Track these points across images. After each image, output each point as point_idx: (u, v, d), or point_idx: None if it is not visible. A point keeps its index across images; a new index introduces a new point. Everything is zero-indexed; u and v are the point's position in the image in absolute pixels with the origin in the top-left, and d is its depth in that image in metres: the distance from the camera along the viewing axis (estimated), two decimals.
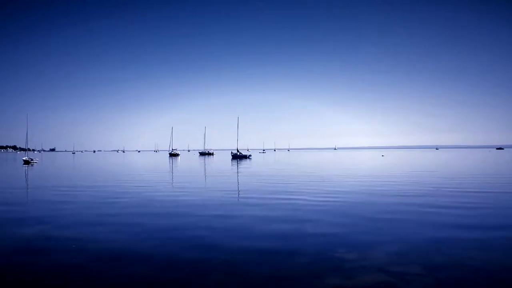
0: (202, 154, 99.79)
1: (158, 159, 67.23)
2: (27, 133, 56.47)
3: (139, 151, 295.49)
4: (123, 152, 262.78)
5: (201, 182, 19.97)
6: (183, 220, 9.06)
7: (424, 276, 4.94)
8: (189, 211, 10.33)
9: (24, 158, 52.57)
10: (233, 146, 77.43)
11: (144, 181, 20.80)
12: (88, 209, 10.72)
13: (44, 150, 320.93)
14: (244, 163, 45.32)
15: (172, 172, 29.27)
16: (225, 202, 11.98)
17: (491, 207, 10.57)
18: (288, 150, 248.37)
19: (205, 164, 43.14)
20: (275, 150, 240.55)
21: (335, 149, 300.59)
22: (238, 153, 68.66)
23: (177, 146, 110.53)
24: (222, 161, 51.82)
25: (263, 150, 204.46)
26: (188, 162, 51.90)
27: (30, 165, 44.83)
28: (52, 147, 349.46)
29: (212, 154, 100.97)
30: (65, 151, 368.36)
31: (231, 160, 54.47)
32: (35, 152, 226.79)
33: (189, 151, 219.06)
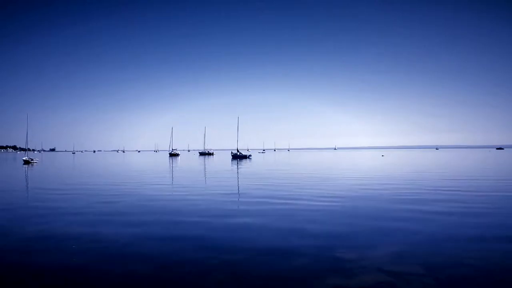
0: (202, 154, 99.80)
1: (158, 159, 67.24)
2: (27, 133, 56.55)
3: (139, 151, 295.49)
4: (123, 152, 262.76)
5: (201, 182, 19.97)
6: (183, 220, 9.06)
7: (424, 276, 4.95)
8: (189, 211, 10.33)
9: (24, 158, 52.57)
10: (233, 146, 77.48)
11: (144, 181, 20.79)
12: (88, 209, 10.72)
13: (44, 150, 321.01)
14: (244, 163, 45.32)
15: (172, 172, 29.27)
16: (225, 202, 11.97)
17: (491, 208, 10.57)
18: (288, 150, 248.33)
19: (205, 164, 43.14)
20: (275, 150, 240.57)
21: (335, 149, 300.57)
22: (238, 153, 68.66)
23: (177, 146, 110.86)
24: (222, 161, 51.81)
25: (263, 150, 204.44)
26: (188, 162, 51.90)
27: (30, 165, 44.83)
28: (52, 147, 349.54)
29: (212, 154, 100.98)
30: (65, 151, 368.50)
31: (231, 160, 54.47)
32: (35, 152, 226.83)
33: (189, 151, 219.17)
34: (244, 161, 52.43)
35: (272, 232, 7.59)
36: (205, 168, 35.58)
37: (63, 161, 63.02)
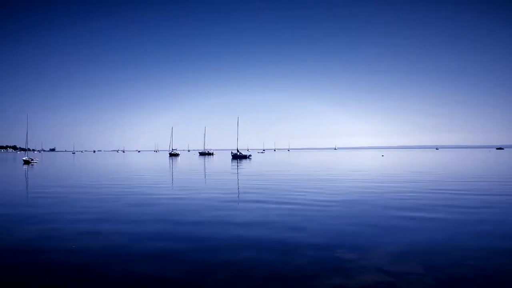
0: (202, 154, 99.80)
1: (158, 159, 67.24)
2: (27, 133, 56.55)
3: (139, 151, 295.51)
4: (123, 152, 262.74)
5: (201, 182, 19.97)
6: (183, 220, 9.06)
7: (424, 276, 4.95)
8: (189, 211, 10.33)
9: (24, 158, 52.57)
10: (233, 146, 77.48)
11: (144, 181, 20.80)
12: (88, 209, 10.72)
13: (44, 150, 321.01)
14: (244, 163, 45.33)
15: (172, 172, 29.27)
16: (225, 203, 11.97)
17: (491, 208, 10.58)
18: (288, 150, 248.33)
19: (205, 164, 43.14)
20: (275, 150, 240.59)
21: (335, 149, 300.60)
22: (238, 153, 68.66)
23: (177, 146, 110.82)
24: (222, 161, 51.82)
25: (263, 150, 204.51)
26: (188, 162, 51.90)
27: (30, 165, 44.83)
28: (52, 147, 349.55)
29: (212, 154, 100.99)
30: (65, 151, 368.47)
31: (231, 160, 54.48)
32: (35, 152, 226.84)
33: (189, 151, 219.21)
34: (244, 161, 52.43)
35: (272, 232, 7.59)
36: (205, 168, 35.58)
37: (63, 161, 63.02)
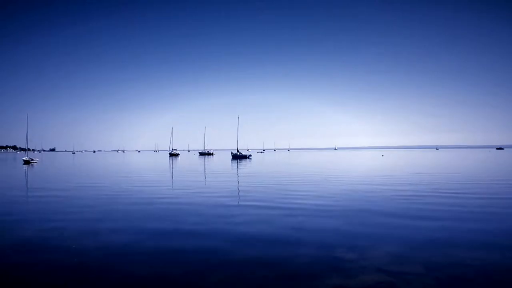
0: (202, 154, 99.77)
1: (158, 159, 67.24)
2: (27, 133, 56.55)
3: (139, 151, 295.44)
4: (123, 152, 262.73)
5: (201, 183, 19.97)
6: (183, 220, 9.06)
7: (423, 276, 4.95)
8: (189, 211, 10.34)
9: (24, 158, 52.57)
10: (233, 146, 77.46)
11: (144, 181, 20.80)
12: (88, 209, 10.72)
13: (44, 150, 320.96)
14: (244, 163, 45.33)
15: (172, 173, 29.27)
16: (226, 203, 11.97)
17: (492, 209, 10.58)
18: (288, 150, 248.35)
19: (205, 165, 43.15)
20: (275, 150, 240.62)
21: (335, 149, 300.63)
22: (238, 153, 68.64)
23: (177, 146, 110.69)
24: (222, 161, 51.82)
25: (262, 150, 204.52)
26: (188, 162, 51.90)
27: (30, 165, 44.84)
28: (52, 147, 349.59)
29: (212, 154, 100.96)
30: (65, 151, 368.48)
31: (231, 160, 54.47)
32: (35, 152, 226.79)
33: (189, 151, 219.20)
34: (244, 161, 52.43)
35: (272, 232, 7.59)
36: (205, 168, 35.59)
37: (63, 161, 63.02)
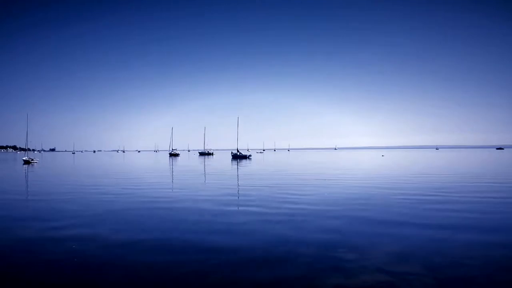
0: (202, 154, 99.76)
1: (158, 159, 67.25)
2: (27, 133, 56.51)
3: (139, 151, 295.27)
4: (123, 152, 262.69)
5: (201, 183, 19.98)
6: (183, 220, 9.06)
7: (424, 276, 4.95)
8: (190, 211, 10.34)
9: (24, 158, 52.59)
10: (233, 146, 77.49)
11: (144, 181, 20.80)
12: (88, 209, 10.72)
13: (44, 150, 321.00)
14: (244, 163, 45.34)
15: (172, 173, 29.27)
16: (226, 203, 11.97)
17: (492, 209, 10.58)
18: (288, 150, 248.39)
19: (205, 165, 43.15)
20: (275, 150, 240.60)
21: (335, 149, 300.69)
22: (238, 153, 68.67)
23: (177, 146, 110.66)
24: (222, 161, 51.83)
25: (262, 150, 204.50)
26: (188, 162, 51.91)
27: (30, 165, 44.86)
28: (52, 147, 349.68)
29: (212, 154, 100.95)
30: (65, 151, 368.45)
31: (231, 160, 54.49)
32: (35, 152, 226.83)
33: (189, 151, 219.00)
34: (244, 161, 52.45)
35: (272, 232, 7.59)
36: (205, 168, 35.60)
37: (63, 161, 63.03)
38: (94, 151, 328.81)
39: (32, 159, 53.57)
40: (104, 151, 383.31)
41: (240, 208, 10.99)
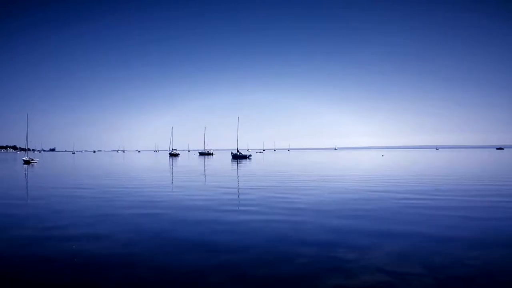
0: (202, 154, 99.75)
1: (158, 159, 67.25)
2: (27, 133, 56.49)
3: (139, 151, 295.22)
4: (123, 152, 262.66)
5: (201, 183, 19.98)
6: (183, 220, 9.06)
7: (424, 276, 4.95)
8: (189, 211, 10.33)
9: (24, 158, 52.59)
10: (233, 146, 77.48)
11: (144, 181, 20.80)
12: (88, 209, 10.72)
13: (44, 150, 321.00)
14: (244, 163, 45.34)
15: (172, 173, 29.28)
16: (226, 203, 11.97)
17: (492, 210, 10.57)
18: (288, 150, 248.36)
19: (205, 165, 43.16)
20: (275, 150, 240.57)
21: (335, 149, 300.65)
22: (238, 153, 68.67)
23: (177, 146, 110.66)
24: (222, 161, 51.84)
25: (262, 150, 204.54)
26: (188, 162, 51.91)
27: (30, 165, 44.86)
28: (52, 147, 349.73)
29: (212, 154, 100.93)
30: (65, 151, 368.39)
31: (231, 160, 54.50)
32: (35, 152, 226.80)
33: (189, 151, 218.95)
34: (244, 161, 52.45)
35: (272, 232, 7.59)
36: (205, 168, 35.60)
37: (63, 161, 63.03)
38: (94, 151, 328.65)
39: (32, 159, 53.57)
40: (104, 151, 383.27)
41: (240, 208, 10.99)
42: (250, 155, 69.34)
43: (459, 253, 5.99)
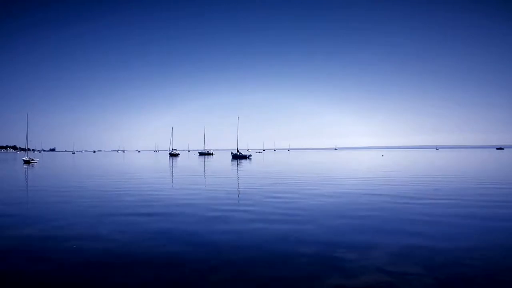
0: (202, 154, 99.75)
1: (158, 159, 67.24)
2: (27, 133, 56.53)
3: (139, 151, 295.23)
4: (123, 152, 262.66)
5: (201, 183, 19.98)
6: (183, 220, 9.06)
7: (424, 276, 4.95)
8: (189, 211, 10.33)
9: (24, 158, 52.61)
10: (233, 146, 77.45)
11: (144, 181, 20.80)
12: (88, 209, 10.72)
13: (44, 150, 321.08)
14: (244, 163, 45.33)
15: (172, 173, 29.27)
16: (225, 202, 11.98)
17: (493, 211, 10.57)
18: (288, 151, 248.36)
19: (205, 165, 43.16)
20: (275, 150, 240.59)
21: (335, 149, 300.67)
22: (238, 153, 68.66)
23: (177, 146, 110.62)
24: (222, 161, 51.84)
25: (261, 150, 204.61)
26: (188, 162, 51.91)
27: (30, 165, 44.86)
28: (52, 147, 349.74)
29: (212, 154, 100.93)
30: (65, 151, 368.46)
31: (231, 160, 54.50)
32: (35, 152, 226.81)
33: (189, 151, 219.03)
34: (244, 161, 52.45)
35: (271, 232, 7.59)
36: (205, 168, 35.60)
37: (63, 161, 63.03)
38: (94, 151, 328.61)
39: (32, 159, 53.57)
40: (104, 151, 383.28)
41: (240, 208, 10.98)
42: (250, 155, 69.33)
43: (459, 253, 5.99)
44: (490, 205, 10.81)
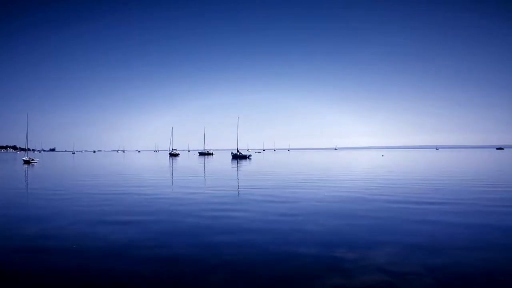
0: (202, 154, 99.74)
1: (158, 159, 67.23)
2: (27, 133, 56.52)
3: (139, 151, 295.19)
4: (123, 152, 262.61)
5: (201, 183, 19.98)
6: (183, 220, 9.06)
7: (424, 276, 4.95)
8: (189, 211, 10.33)
9: (24, 158, 52.61)
10: (233, 146, 77.47)
11: (144, 181, 20.80)
12: (88, 209, 10.72)
13: (44, 150, 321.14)
14: (244, 163, 45.34)
15: (172, 173, 29.27)
16: (225, 202, 11.97)
17: (493, 211, 10.57)
18: (288, 150, 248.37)
19: (205, 165, 43.16)
20: (275, 150, 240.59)
21: (335, 149, 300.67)
22: (238, 153, 68.66)
23: (177, 146, 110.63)
24: (222, 161, 51.83)
25: (261, 150, 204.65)
26: (188, 162, 51.91)
27: (30, 165, 44.86)
28: (52, 147, 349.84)
29: (212, 154, 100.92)
30: (65, 151, 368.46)
31: (231, 160, 54.50)
32: (35, 152, 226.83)
33: (189, 151, 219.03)
34: (244, 161, 52.45)
35: (271, 232, 7.59)
36: (205, 168, 35.59)
37: (63, 161, 63.02)
38: (94, 151, 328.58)
39: (32, 159, 53.57)
40: (104, 151, 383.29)
41: (240, 208, 10.98)
42: (250, 155, 69.32)
43: (459, 253, 5.99)
44: (490, 205, 10.81)
